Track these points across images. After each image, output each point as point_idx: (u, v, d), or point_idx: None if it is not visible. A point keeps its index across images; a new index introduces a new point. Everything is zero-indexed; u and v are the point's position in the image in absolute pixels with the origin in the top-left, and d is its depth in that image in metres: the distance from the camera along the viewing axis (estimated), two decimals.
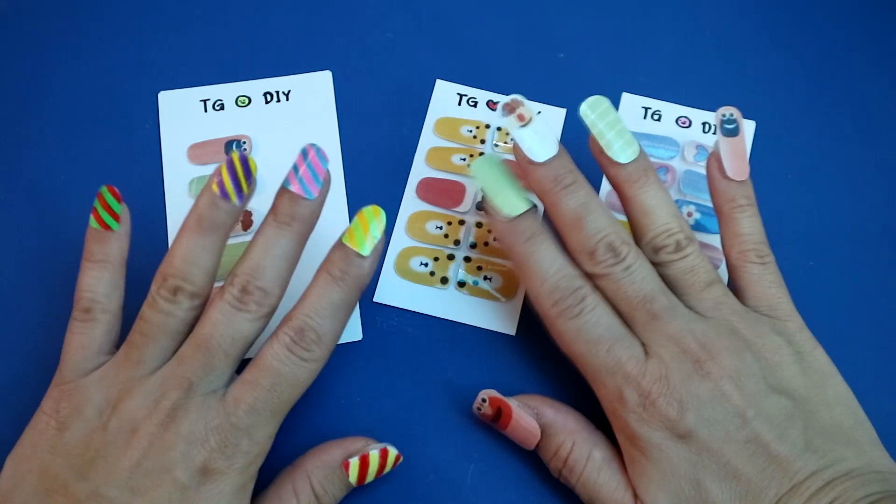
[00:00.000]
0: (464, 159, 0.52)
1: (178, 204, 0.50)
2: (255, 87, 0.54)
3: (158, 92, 0.53)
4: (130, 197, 0.45)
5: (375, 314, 0.49)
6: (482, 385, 0.46)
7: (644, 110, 0.54)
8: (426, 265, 0.49)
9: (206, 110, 0.53)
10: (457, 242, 0.50)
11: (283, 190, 0.41)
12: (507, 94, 0.53)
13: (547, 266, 0.42)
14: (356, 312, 0.48)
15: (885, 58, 0.56)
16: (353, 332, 0.48)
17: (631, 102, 0.54)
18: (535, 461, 0.45)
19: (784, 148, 0.53)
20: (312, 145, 0.41)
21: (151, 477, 0.37)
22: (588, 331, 0.41)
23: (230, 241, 0.46)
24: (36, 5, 0.56)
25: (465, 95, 0.54)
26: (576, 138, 0.52)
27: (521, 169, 0.44)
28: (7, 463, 0.40)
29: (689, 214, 0.51)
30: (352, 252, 0.41)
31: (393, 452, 0.43)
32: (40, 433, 0.39)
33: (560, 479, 0.43)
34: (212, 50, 0.55)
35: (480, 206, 0.50)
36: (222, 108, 0.53)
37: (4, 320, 0.48)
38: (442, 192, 0.51)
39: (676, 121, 0.53)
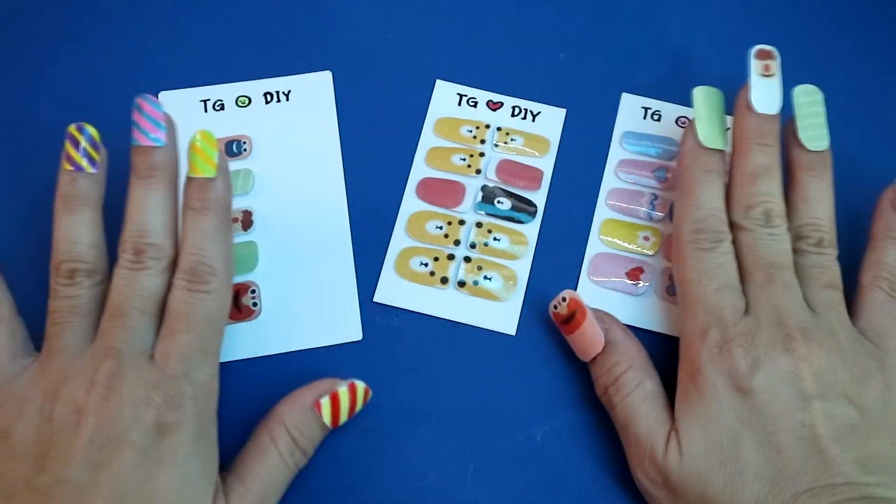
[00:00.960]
0: (464, 159, 0.52)
1: (178, 204, 0.50)
2: (255, 87, 0.54)
3: (158, 92, 0.53)
4: None
5: (375, 314, 0.49)
6: (482, 385, 0.47)
7: (644, 110, 0.54)
8: (426, 265, 0.50)
9: (206, 110, 0.53)
10: (457, 242, 0.50)
11: (134, 148, 0.42)
12: (507, 95, 0.54)
13: (707, 199, 0.45)
14: (356, 312, 0.49)
15: (885, 58, 0.56)
16: (353, 332, 0.48)
17: (631, 102, 0.54)
18: (535, 461, 0.46)
19: (783, 148, 0.53)
20: (142, 96, 0.43)
21: (108, 448, 0.38)
22: (709, 266, 0.43)
23: (234, 241, 0.46)
24: (36, 5, 0.56)
25: (466, 95, 0.54)
26: (576, 139, 0.53)
27: (736, 110, 0.47)
28: None
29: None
30: (200, 180, 0.43)
31: (361, 386, 0.44)
32: None
33: (603, 397, 0.45)
34: (212, 50, 0.55)
35: (482, 205, 0.51)
36: (222, 108, 0.53)
37: None
38: (442, 192, 0.51)
39: (676, 121, 0.54)
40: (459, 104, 0.54)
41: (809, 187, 0.45)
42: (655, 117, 0.54)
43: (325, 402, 0.43)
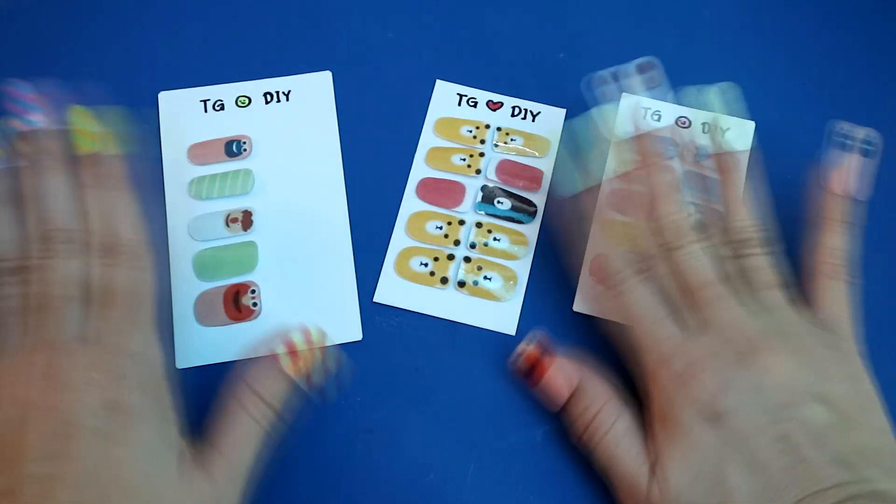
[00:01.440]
0: (463, 159, 0.52)
1: (178, 204, 0.51)
2: (255, 88, 0.54)
3: (158, 92, 0.54)
4: None
5: (375, 314, 0.49)
6: (482, 385, 0.48)
7: (644, 110, 0.54)
8: (426, 265, 0.50)
9: (206, 110, 0.53)
10: (457, 242, 0.50)
11: (18, 136, 0.42)
12: (507, 95, 0.54)
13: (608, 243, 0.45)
14: (356, 312, 0.49)
15: (885, 58, 0.56)
16: (353, 332, 0.48)
17: (631, 103, 0.54)
18: (534, 462, 0.46)
19: (784, 148, 0.53)
20: (7, 81, 0.42)
21: (59, 436, 0.37)
22: (642, 304, 0.43)
23: (234, 241, 0.47)
24: (36, 5, 0.56)
25: (465, 96, 0.54)
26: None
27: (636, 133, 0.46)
28: None
29: (689, 215, 0.51)
30: (89, 156, 0.43)
31: (314, 330, 0.43)
32: None
33: (579, 443, 0.44)
34: (212, 50, 0.55)
35: (482, 206, 0.51)
36: (222, 108, 0.53)
37: None
38: (442, 192, 0.51)
39: (676, 121, 0.54)
40: (459, 104, 0.54)
41: (727, 181, 0.45)
42: (655, 117, 0.54)
43: (281, 351, 0.42)
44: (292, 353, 0.42)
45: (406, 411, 0.47)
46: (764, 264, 0.43)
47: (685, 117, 0.54)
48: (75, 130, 0.42)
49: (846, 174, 0.45)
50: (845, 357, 0.42)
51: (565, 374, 0.44)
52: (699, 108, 0.54)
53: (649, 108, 0.54)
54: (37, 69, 0.54)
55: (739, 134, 0.53)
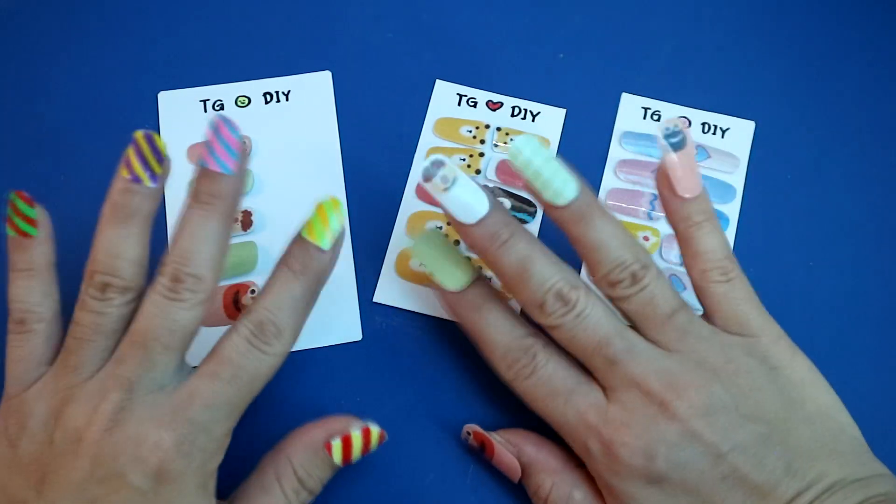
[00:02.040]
0: (464, 159, 0.52)
1: (178, 204, 0.50)
2: (255, 88, 0.54)
3: (158, 92, 0.54)
4: None
5: (375, 314, 0.49)
6: (482, 385, 0.47)
7: (644, 110, 0.54)
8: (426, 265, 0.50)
9: (206, 110, 0.53)
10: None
11: (202, 170, 0.39)
12: (507, 95, 0.54)
13: (495, 332, 0.42)
14: (356, 312, 0.49)
15: (884, 57, 0.56)
16: (353, 332, 0.49)
17: (630, 102, 0.55)
18: None
19: (783, 148, 0.54)
20: (221, 118, 0.39)
21: (106, 485, 0.36)
22: (543, 386, 0.41)
23: (234, 241, 0.46)
24: (36, 5, 0.56)
25: (465, 96, 0.54)
26: (576, 139, 0.53)
27: (457, 232, 0.42)
28: None
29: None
30: (311, 246, 0.40)
31: (375, 430, 0.41)
32: None
33: None
34: (212, 50, 0.56)
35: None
36: (222, 108, 0.54)
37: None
38: None
39: None
40: (459, 104, 0.54)
41: (591, 234, 0.40)
42: (655, 117, 0.54)
43: (337, 445, 0.41)
44: (346, 447, 0.41)
45: (406, 412, 0.47)
46: (655, 292, 0.40)
47: (685, 117, 0.54)
48: (321, 218, 0.41)
49: (672, 177, 0.42)
50: (764, 356, 0.40)
51: (512, 450, 0.43)
52: (700, 109, 0.54)
53: (649, 108, 0.54)
54: (37, 69, 0.54)
55: (740, 134, 0.53)
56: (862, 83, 0.56)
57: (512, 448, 0.43)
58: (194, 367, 0.40)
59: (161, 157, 0.40)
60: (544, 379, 0.41)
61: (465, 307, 0.43)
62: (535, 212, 0.51)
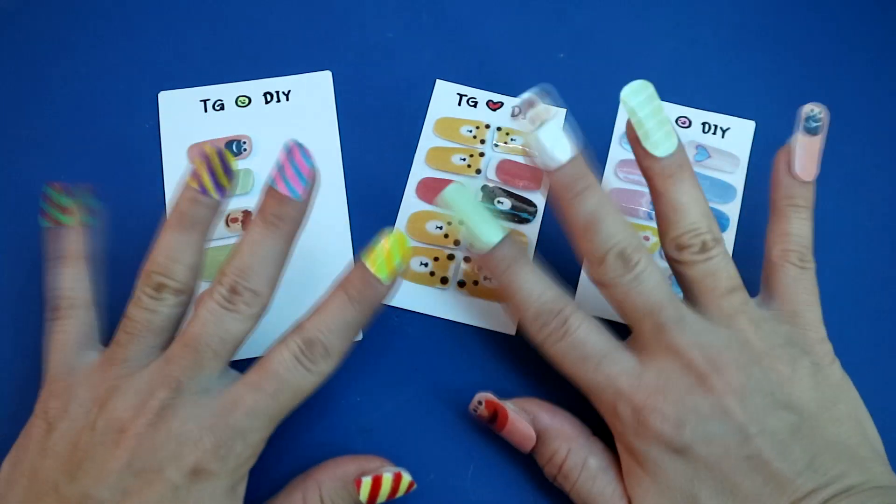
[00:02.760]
0: (464, 159, 0.53)
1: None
2: (255, 87, 0.55)
3: (158, 92, 0.54)
4: (130, 197, 0.46)
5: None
6: (483, 385, 0.47)
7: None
8: (426, 265, 0.50)
9: (206, 110, 0.54)
10: (457, 242, 0.51)
11: (270, 190, 0.41)
12: (507, 95, 0.54)
13: (527, 292, 0.42)
14: None
15: (884, 57, 0.57)
16: None
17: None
18: (534, 462, 0.45)
19: (783, 144, 0.53)
20: (296, 143, 0.41)
21: (142, 477, 0.37)
22: (575, 350, 0.41)
23: (235, 241, 0.47)
24: (36, 5, 0.57)
25: (465, 95, 0.54)
26: (576, 139, 0.54)
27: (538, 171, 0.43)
28: (3, 465, 0.40)
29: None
30: (372, 277, 0.41)
31: (407, 479, 0.42)
32: (31, 435, 0.40)
33: (555, 484, 0.43)
34: (212, 50, 0.56)
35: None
36: (222, 108, 0.54)
37: (3, 321, 0.49)
38: None
39: (676, 120, 0.54)
40: (459, 104, 0.54)
41: (675, 193, 0.42)
42: None
43: (367, 482, 0.41)
44: (376, 487, 0.41)
45: (406, 411, 0.47)
46: (720, 266, 0.41)
47: (685, 117, 0.54)
48: (387, 252, 0.42)
49: (796, 156, 0.43)
50: (808, 349, 0.41)
51: (526, 417, 0.44)
52: (700, 109, 0.54)
53: None
54: (37, 69, 0.55)
55: (740, 134, 0.54)
56: (862, 83, 0.56)
57: (526, 416, 0.43)
58: (238, 373, 0.41)
59: (231, 173, 0.41)
60: (577, 342, 0.41)
61: (497, 264, 0.43)
62: (535, 212, 0.51)
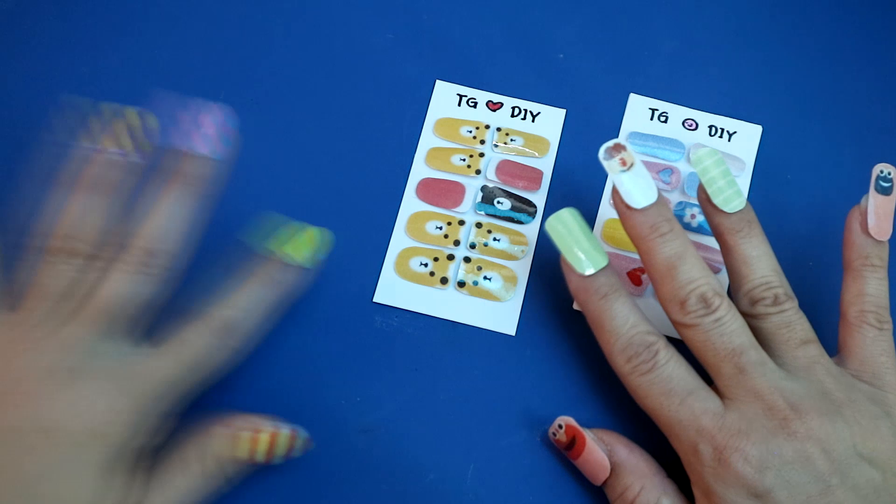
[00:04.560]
0: (463, 160, 0.53)
1: None
2: None
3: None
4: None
5: (375, 314, 0.50)
6: (482, 385, 0.48)
7: (651, 111, 0.55)
8: (426, 265, 0.51)
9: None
10: (456, 243, 0.51)
11: (187, 153, 0.43)
12: (508, 95, 0.54)
13: (620, 323, 0.43)
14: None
15: (891, 60, 0.57)
16: None
17: (638, 103, 0.55)
18: (534, 462, 0.47)
19: (790, 153, 0.54)
20: (218, 105, 0.43)
21: (42, 435, 0.38)
22: (660, 384, 0.41)
23: None
24: (36, 5, 0.57)
25: (465, 96, 0.55)
26: (574, 138, 0.54)
27: (618, 213, 0.44)
28: None
29: (693, 216, 0.52)
30: (290, 261, 0.44)
31: (284, 433, 0.43)
32: None
33: None
34: (212, 50, 0.56)
35: (481, 206, 0.52)
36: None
37: None
38: (442, 193, 0.52)
39: (683, 123, 0.54)
40: (459, 104, 0.55)
41: (745, 248, 0.43)
42: (662, 119, 0.55)
43: (245, 437, 0.42)
44: (254, 443, 0.42)
45: (406, 411, 0.48)
46: (794, 318, 0.43)
47: (692, 119, 0.55)
48: (303, 240, 0.45)
49: (869, 215, 0.44)
50: (889, 409, 0.41)
51: (603, 447, 0.44)
52: (707, 112, 0.55)
53: (656, 109, 0.55)
54: (37, 67, 0.55)
55: (746, 138, 0.54)
56: (869, 89, 0.56)
57: (604, 446, 0.44)
58: (151, 345, 0.42)
59: (150, 134, 0.43)
60: (663, 377, 0.42)
61: (592, 292, 0.44)
62: (535, 212, 0.52)
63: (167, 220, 0.42)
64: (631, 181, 0.43)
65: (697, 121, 0.55)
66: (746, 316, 0.43)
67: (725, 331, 0.41)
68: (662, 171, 0.53)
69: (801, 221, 0.53)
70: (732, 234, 0.44)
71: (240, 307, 0.43)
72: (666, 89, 0.56)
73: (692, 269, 0.42)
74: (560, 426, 0.45)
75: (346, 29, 0.57)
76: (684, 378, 0.42)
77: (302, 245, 0.44)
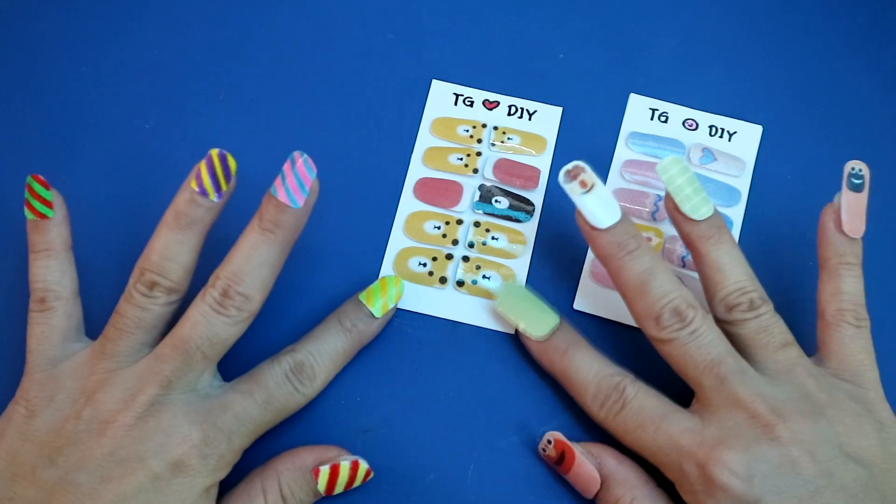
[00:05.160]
0: (461, 159, 0.53)
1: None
2: None
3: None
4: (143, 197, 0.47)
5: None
6: (482, 385, 0.48)
7: (651, 111, 0.55)
8: (425, 265, 0.51)
9: None
10: (455, 242, 0.51)
11: (270, 197, 0.43)
12: (505, 94, 0.54)
13: (584, 373, 0.44)
14: None
15: (892, 59, 0.57)
16: None
17: (638, 103, 0.56)
18: (534, 462, 0.47)
19: (790, 153, 0.54)
20: (301, 153, 0.42)
21: (124, 465, 0.39)
22: (633, 418, 0.42)
23: None
24: (36, 5, 0.58)
25: (462, 95, 0.55)
26: (573, 136, 0.54)
27: (584, 235, 0.45)
28: None
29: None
30: (365, 309, 0.46)
31: (364, 466, 0.44)
32: (10, 420, 0.41)
33: None
34: (211, 51, 0.57)
35: (479, 205, 0.52)
36: None
37: None
38: (439, 192, 0.53)
39: (683, 123, 0.55)
40: (456, 104, 0.55)
41: (716, 255, 0.44)
42: (662, 119, 0.55)
43: (325, 471, 0.43)
44: (333, 475, 0.44)
45: (406, 411, 0.48)
46: (771, 322, 0.43)
47: (692, 119, 0.55)
48: (381, 290, 0.48)
49: (842, 213, 0.45)
50: (870, 406, 0.42)
51: (592, 460, 0.44)
52: (708, 112, 0.55)
53: (657, 109, 0.55)
54: (38, 68, 0.56)
55: (746, 138, 0.54)
56: (870, 90, 0.56)
57: (593, 459, 0.44)
58: (224, 381, 0.44)
59: (230, 176, 0.43)
60: (634, 410, 0.42)
61: (552, 352, 0.46)
62: (533, 210, 0.52)
63: (243, 261, 0.42)
64: (594, 202, 0.43)
65: (698, 121, 0.55)
66: (723, 323, 0.44)
67: (702, 342, 0.42)
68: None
69: (802, 221, 0.53)
70: (703, 242, 0.44)
71: (312, 352, 0.45)
72: (666, 89, 0.56)
73: (663, 284, 0.43)
74: (549, 441, 0.46)
75: (344, 28, 0.57)
76: (654, 406, 0.42)
77: (376, 294, 0.47)
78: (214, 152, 0.42)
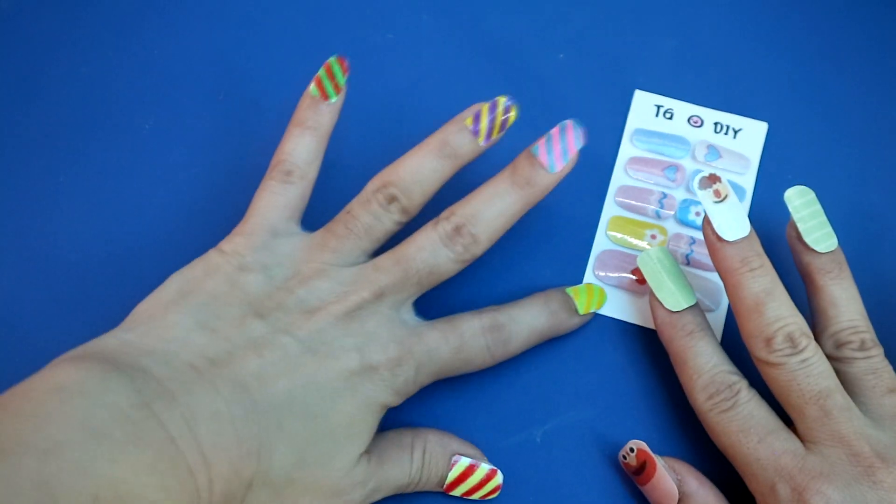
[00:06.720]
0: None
1: None
2: None
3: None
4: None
5: None
6: (482, 385, 0.49)
7: (656, 108, 0.55)
8: None
9: None
10: None
11: (530, 154, 0.44)
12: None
13: (704, 361, 0.44)
14: None
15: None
16: None
17: (643, 100, 0.56)
18: (534, 462, 0.47)
19: (795, 151, 0.54)
20: (575, 123, 0.44)
21: (328, 346, 0.40)
22: (739, 422, 0.42)
23: None
24: (36, 5, 0.58)
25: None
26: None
27: (707, 245, 0.45)
28: (173, 278, 0.42)
29: (697, 214, 0.52)
30: (571, 302, 0.48)
31: (496, 480, 0.45)
32: (217, 267, 0.42)
33: None
34: (211, 51, 0.57)
35: None
36: None
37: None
38: None
39: (688, 120, 0.55)
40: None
41: (834, 290, 0.44)
42: (668, 115, 0.55)
43: (460, 465, 0.45)
44: (468, 472, 0.45)
45: (406, 411, 0.48)
46: (880, 366, 0.42)
47: (697, 116, 0.55)
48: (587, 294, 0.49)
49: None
50: None
51: (673, 476, 0.44)
52: (714, 108, 0.55)
53: (662, 106, 0.55)
54: (37, 69, 0.56)
55: (752, 135, 0.55)
56: (876, 86, 0.56)
57: (674, 475, 0.44)
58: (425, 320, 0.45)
59: (504, 125, 0.45)
60: (743, 415, 0.42)
61: (678, 329, 0.45)
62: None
63: (484, 205, 0.44)
64: (725, 213, 0.43)
65: (703, 117, 0.55)
66: (830, 359, 0.43)
67: (812, 372, 0.41)
68: (668, 169, 0.53)
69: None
70: (822, 275, 0.44)
71: (514, 319, 0.45)
72: (671, 86, 0.56)
73: (781, 307, 0.42)
74: (631, 449, 0.45)
75: (345, 28, 0.58)
76: (765, 417, 0.42)
77: (583, 293, 0.48)
78: (501, 100, 0.45)
